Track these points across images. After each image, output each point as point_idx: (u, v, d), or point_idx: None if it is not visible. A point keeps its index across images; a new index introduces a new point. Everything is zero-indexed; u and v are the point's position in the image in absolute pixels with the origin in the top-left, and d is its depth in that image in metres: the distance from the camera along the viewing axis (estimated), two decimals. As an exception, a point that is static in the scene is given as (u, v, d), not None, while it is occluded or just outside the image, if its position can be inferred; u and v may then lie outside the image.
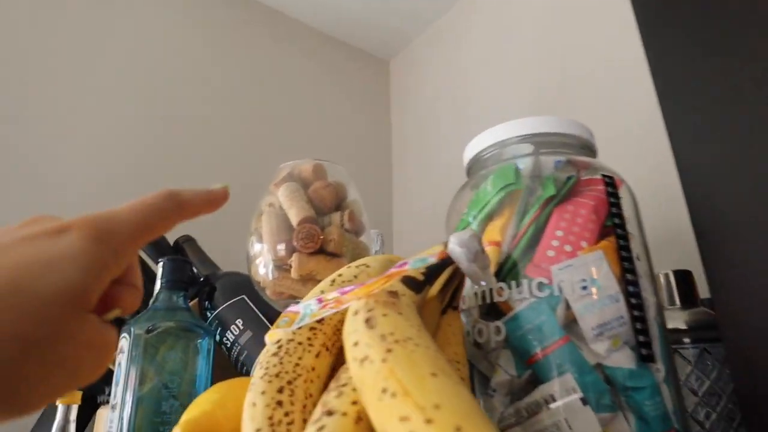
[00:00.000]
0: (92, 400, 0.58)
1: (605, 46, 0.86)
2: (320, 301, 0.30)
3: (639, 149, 0.73)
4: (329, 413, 0.22)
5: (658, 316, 0.38)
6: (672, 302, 0.53)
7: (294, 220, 0.48)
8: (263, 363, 0.28)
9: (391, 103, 1.45)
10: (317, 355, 0.30)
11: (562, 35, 0.96)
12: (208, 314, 0.57)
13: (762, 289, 0.35)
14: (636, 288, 0.36)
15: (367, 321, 0.24)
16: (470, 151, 0.48)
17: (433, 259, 0.31)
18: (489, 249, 0.40)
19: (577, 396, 0.33)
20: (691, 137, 0.43)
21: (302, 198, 0.49)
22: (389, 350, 0.22)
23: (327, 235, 0.47)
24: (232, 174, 1.06)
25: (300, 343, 0.30)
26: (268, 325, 0.53)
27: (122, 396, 0.46)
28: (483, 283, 0.36)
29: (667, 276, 0.54)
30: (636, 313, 0.35)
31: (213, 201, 0.26)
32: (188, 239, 0.68)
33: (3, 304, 0.16)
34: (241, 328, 0.53)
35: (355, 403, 0.23)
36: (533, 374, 0.36)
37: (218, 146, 1.07)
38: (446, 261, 0.34)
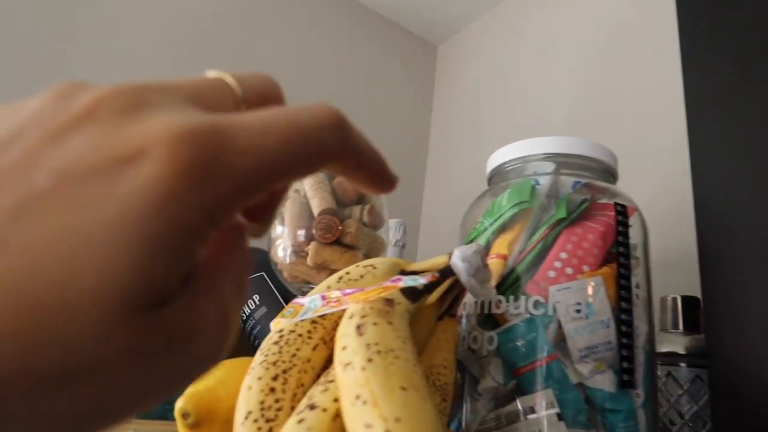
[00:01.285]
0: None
1: (645, 70, 0.85)
2: (324, 298, 0.33)
3: (664, 175, 0.73)
4: (311, 407, 0.25)
5: (647, 343, 0.39)
6: (675, 326, 0.54)
7: (315, 210, 0.50)
8: (264, 350, 0.31)
9: (435, 89, 1.45)
10: (314, 348, 0.32)
11: (609, 53, 0.94)
12: (231, 285, 0.61)
13: (753, 328, 0.36)
14: (629, 317, 0.38)
15: (358, 327, 0.27)
16: (493, 162, 0.49)
17: (423, 280, 0.33)
18: (495, 261, 0.42)
19: (554, 411, 0.35)
20: (714, 170, 0.43)
21: (326, 189, 0.51)
22: (370, 360, 0.24)
23: (345, 227, 0.50)
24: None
25: (300, 335, 0.32)
26: (283, 303, 0.56)
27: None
28: (481, 296, 0.38)
29: (675, 300, 0.55)
30: (624, 340, 0.37)
31: (383, 183, 0.17)
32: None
33: (49, 316, 0.10)
34: (257, 303, 0.57)
35: (336, 400, 0.25)
36: (518, 385, 0.38)
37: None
38: (447, 273, 0.36)
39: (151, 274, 0.11)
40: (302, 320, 0.33)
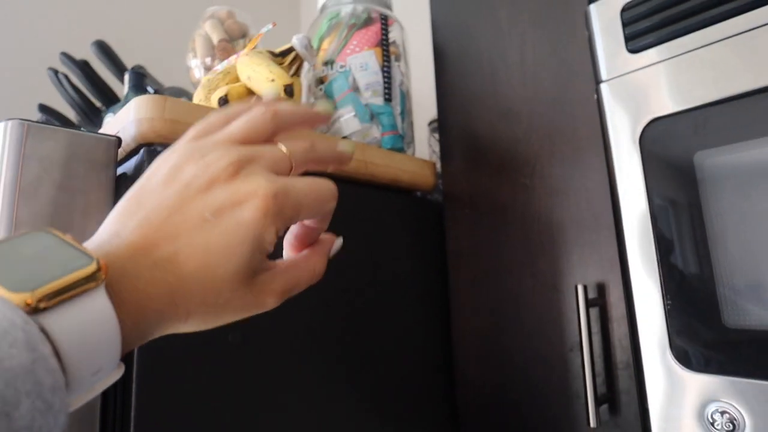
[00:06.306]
0: None
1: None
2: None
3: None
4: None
5: (404, 88, 0.77)
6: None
7: (215, 40, 0.81)
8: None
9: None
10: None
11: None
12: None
13: (479, 148, 0.74)
14: (388, 70, 0.74)
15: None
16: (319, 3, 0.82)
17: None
18: (321, 54, 0.76)
19: (352, 114, 0.71)
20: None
21: (220, 27, 0.82)
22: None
23: (235, 50, 0.82)
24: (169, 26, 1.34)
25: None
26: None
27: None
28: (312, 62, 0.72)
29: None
30: (386, 79, 0.73)
31: (312, 121, 0.30)
32: (141, 68, 0.99)
33: (197, 284, 0.22)
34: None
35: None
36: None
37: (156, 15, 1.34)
38: (292, 47, 0.70)
39: (253, 259, 0.24)
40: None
